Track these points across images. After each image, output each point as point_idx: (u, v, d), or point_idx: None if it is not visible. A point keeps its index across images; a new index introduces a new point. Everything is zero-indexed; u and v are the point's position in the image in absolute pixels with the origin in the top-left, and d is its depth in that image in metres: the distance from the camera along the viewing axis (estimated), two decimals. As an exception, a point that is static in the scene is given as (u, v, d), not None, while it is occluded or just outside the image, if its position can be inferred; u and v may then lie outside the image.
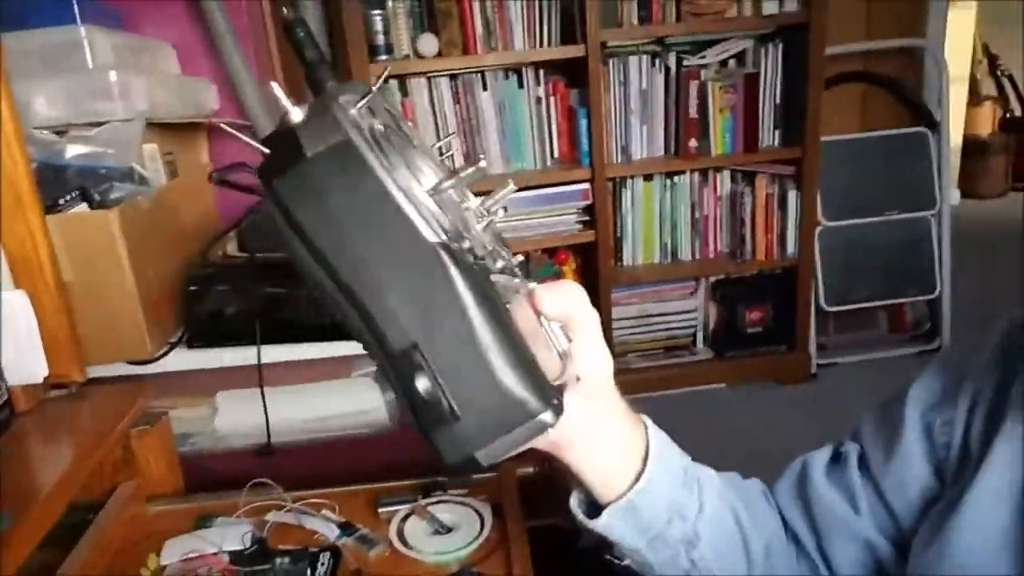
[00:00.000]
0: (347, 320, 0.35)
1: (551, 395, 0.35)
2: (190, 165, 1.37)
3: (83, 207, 0.99)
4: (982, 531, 0.46)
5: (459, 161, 2.29)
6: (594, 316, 0.46)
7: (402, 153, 0.36)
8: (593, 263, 2.39)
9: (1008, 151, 4.55)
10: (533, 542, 0.77)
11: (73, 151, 1.00)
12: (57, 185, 1.01)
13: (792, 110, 2.29)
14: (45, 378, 0.83)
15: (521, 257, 0.47)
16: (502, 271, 0.42)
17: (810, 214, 2.38)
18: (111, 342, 1.00)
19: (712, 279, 2.54)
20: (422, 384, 0.33)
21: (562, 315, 0.45)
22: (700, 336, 2.57)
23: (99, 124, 1.04)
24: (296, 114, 0.35)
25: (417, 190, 0.34)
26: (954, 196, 2.81)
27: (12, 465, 0.74)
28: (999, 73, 4.55)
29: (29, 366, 0.81)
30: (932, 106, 2.57)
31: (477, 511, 0.82)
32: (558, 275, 2.42)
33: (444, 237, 0.33)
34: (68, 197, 0.99)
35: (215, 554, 0.75)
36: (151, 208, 1.05)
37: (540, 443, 0.47)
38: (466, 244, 0.35)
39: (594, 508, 0.52)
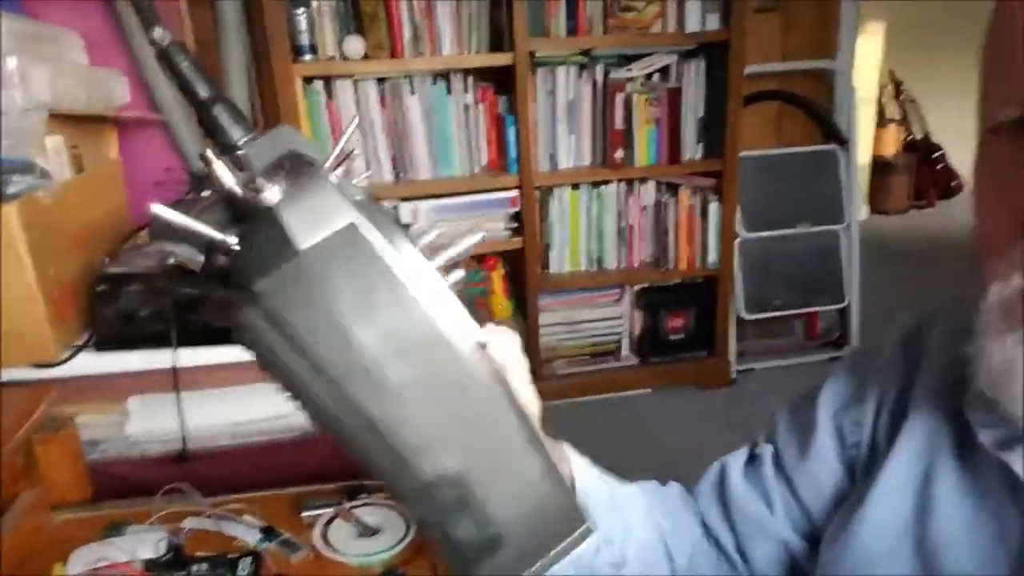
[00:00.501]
0: (356, 448, 0.28)
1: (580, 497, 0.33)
2: (98, 159, 1.31)
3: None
4: (885, 522, 0.48)
5: (385, 166, 2.27)
6: (525, 363, 0.45)
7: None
8: (521, 270, 2.41)
9: (910, 171, 4.87)
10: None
11: (-28, 141, 0.94)
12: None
13: (713, 124, 2.38)
14: (-62, 380, 0.78)
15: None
16: None
17: (729, 225, 2.47)
18: (13, 344, 0.94)
19: (637, 287, 2.60)
20: (464, 519, 0.29)
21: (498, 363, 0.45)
22: (625, 342, 2.63)
23: (-1, 114, 0.98)
24: (273, 192, 0.27)
25: (440, 286, 0.28)
26: (862, 211, 2.99)
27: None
28: (903, 98, 4.86)
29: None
30: (842, 126, 2.72)
31: (402, 512, 0.81)
32: (486, 281, 2.43)
33: (476, 344, 0.28)
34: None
35: (127, 563, 0.71)
36: (54, 203, 1.00)
37: None
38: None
39: None
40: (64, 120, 1.13)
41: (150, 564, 0.72)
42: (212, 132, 0.31)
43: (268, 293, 0.26)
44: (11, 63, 0.98)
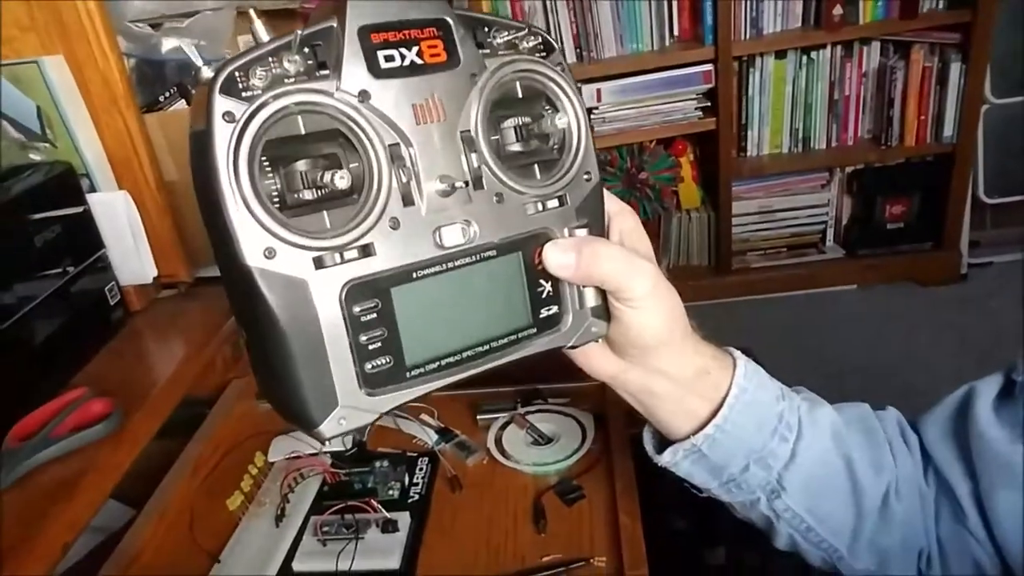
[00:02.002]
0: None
1: (340, 413, 0.35)
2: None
3: (182, 104, 0.97)
4: None
5: (568, 46, 2.14)
6: (639, 283, 0.41)
7: (318, 127, 0.35)
8: (713, 154, 2.21)
9: None
10: (635, 449, 0.72)
11: (168, 44, 0.98)
12: (157, 82, 1.00)
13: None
14: (155, 278, 0.85)
15: (555, 203, 0.41)
16: (502, 224, 0.39)
17: (976, 90, 2.06)
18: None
19: (848, 169, 2.30)
20: (250, 359, 0.37)
21: (582, 282, 0.41)
22: (830, 233, 2.36)
23: (192, 14, 1.01)
24: (206, 72, 0.34)
25: (253, 202, 0.32)
26: None
27: (127, 362, 0.76)
28: None
29: (138, 266, 0.83)
30: None
31: (579, 421, 0.78)
32: (674, 167, 2.27)
33: (258, 261, 0.33)
34: (167, 94, 0.98)
35: (316, 455, 0.75)
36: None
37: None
38: (330, 245, 0.34)
39: (664, 441, 0.49)
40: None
41: (336, 457, 0.75)
42: None
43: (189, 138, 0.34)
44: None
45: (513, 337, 0.40)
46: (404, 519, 0.67)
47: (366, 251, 0.35)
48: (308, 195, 0.34)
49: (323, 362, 0.35)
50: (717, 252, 2.33)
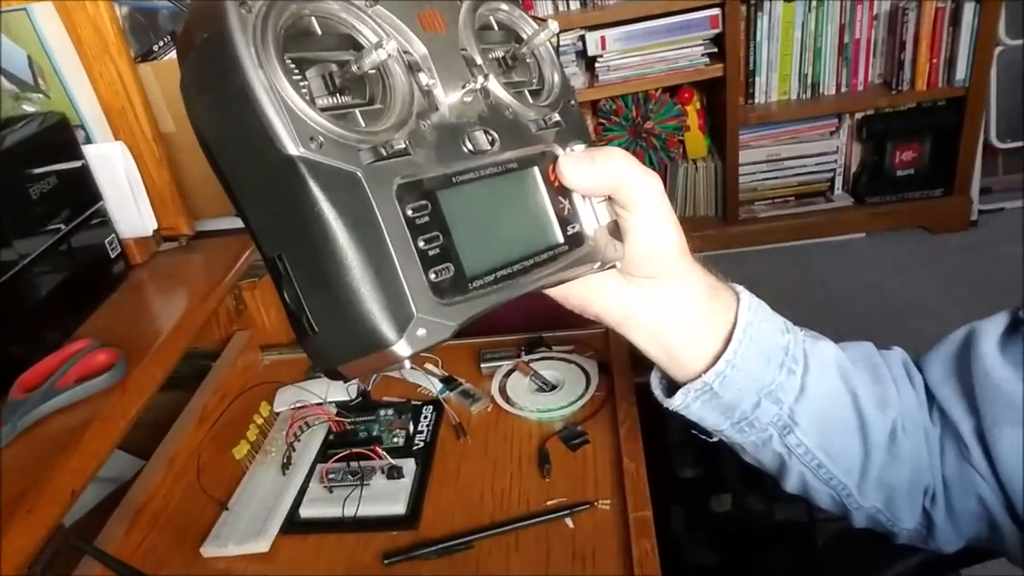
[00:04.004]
0: (237, 214, 0.34)
1: (416, 324, 0.31)
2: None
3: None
4: None
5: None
6: (648, 187, 0.40)
7: (336, 28, 0.34)
8: (720, 101, 2.17)
9: None
10: (641, 399, 0.73)
11: (160, -8, 0.96)
12: (150, 31, 0.98)
13: (980, -101, 1.88)
14: (155, 231, 0.85)
15: (557, 117, 0.41)
16: (513, 139, 0.38)
17: (990, 30, 2.01)
18: (216, 194, 1.00)
19: (858, 115, 2.25)
20: (287, 296, 0.32)
21: (596, 190, 0.40)
22: (839, 180, 2.33)
23: (182, -38, 0.98)
24: None
25: (286, 91, 0.30)
26: None
27: (130, 314, 0.76)
28: None
29: (138, 219, 0.82)
30: None
31: (583, 368, 0.78)
32: (680, 116, 2.23)
33: (302, 149, 0.30)
34: (161, 43, 0.96)
35: (321, 404, 0.76)
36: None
37: (590, 315, 0.45)
38: (371, 143, 0.32)
39: (673, 386, 0.48)
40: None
41: (341, 406, 0.76)
42: None
43: (183, 74, 0.32)
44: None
45: (551, 253, 0.39)
46: (409, 466, 0.68)
47: (405, 152, 0.33)
48: (333, 100, 0.32)
49: (391, 266, 0.31)
50: (724, 202, 2.31)
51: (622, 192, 0.40)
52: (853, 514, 0.53)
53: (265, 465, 0.71)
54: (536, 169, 0.39)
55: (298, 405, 0.76)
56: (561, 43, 1.92)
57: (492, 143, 0.37)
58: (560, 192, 0.40)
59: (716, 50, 2.10)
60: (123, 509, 0.68)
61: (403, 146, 0.33)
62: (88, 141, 0.80)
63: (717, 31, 2.06)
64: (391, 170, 0.32)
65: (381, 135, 0.32)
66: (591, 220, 0.41)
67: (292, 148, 0.30)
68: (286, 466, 0.70)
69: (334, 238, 0.30)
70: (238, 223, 0.96)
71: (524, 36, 0.43)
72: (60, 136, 0.75)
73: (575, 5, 2.10)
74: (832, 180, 2.34)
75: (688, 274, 0.45)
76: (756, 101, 2.22)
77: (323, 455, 0.71)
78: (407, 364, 0.32)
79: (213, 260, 0.88)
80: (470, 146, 0.36)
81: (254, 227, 0.33)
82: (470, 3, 0.39)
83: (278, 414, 0.78)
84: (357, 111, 0.33)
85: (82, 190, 0.77)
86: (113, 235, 0.80)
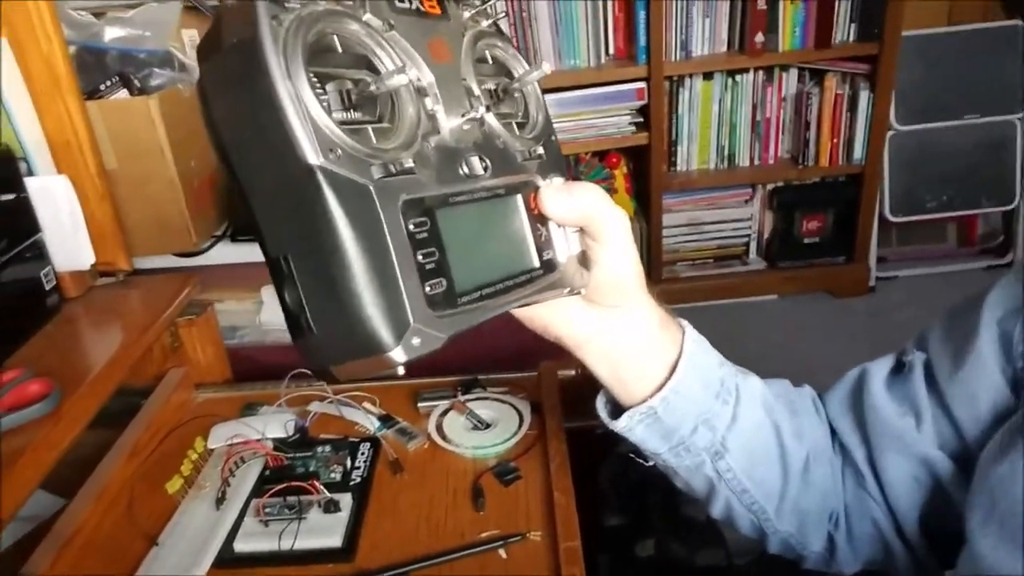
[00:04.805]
0: (245, 215, 0.35)
1: (412, 333, 0.33)
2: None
3: (123, 93, 0.97)
4: None
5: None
6: (617, 221, 0.44)
7: (354, 48, 0.35)
8: (645, 167, 2.30)
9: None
10: (573, 443, 0.76)
11: (111, 34, 0.98)
12: (98, 70, 0.99)
13: (871, 1, 2.10)
14: (92, 265, 0.84)
15: (541, 151, 0.44)
16: (503, 167, 0.40)
17: (882, 117, 2.22)
18: (156, 233, 1.01)
19: (770, 186, 2.43)
20: (290, 297, 0.34)
21: (575, 220, 0.44)
22: (753, 245, 2.49)
23: (136, 6, 1.01)
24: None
25: (311, 103, 0.32)
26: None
27: (62, 347, 0.75)
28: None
29: (76, 252, 0.82)
30: (1031, -3, 2.32)
31: (516, 408, 0.82)
32: (608, 179, 2.35)
33: (322, 159, 0.31)
34: (108, 83, 0.97)
35: (259, 440, 0.76)
36: (192, 96, 1.03)
37: (550, 338, 0.48)
38: (381, 160, 0.34)
39: (618, 409, 0.51)
40: (199, 12, 1.15)
41: (279, 443, 0.77)
42: None
43: (202, 74, 0.33)
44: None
45: (528, 276, 0.41)
46: (346, 500, 0.69)
47: (411, 171, 0.35)
48: (348, 115, 0.34)
49: (393, 276, 0.33)
50: (648, 261, 2.42)
51: (594, 224, 0.44)
52: (769, 538, 0.58)
53: (199, 500, 0.71)
54: (519, 197, 0.42)
55: (234, 441, 0.76)
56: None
57: (485, 169, 0.39)
58: (538, 220, 0.43)
59: (642, 120, 2.24)
60: (49, 542, 0.66)
61: (410, 165, 0.35)
62: (30, 173, 0.80)
63: (643, 103, 2.20)
64: (398, 187, 0.34)
65: (391, 153, 0.34)
66: (563, 248, 0.44)
67: (313, 157, 0.31)
68: (220, 500, 0.70)
69: (343, 245, 0.32)
70: (177, 262, 1.00)
71: (514, 72, 0.45)
72: (2, 168, 0.75)
73: (511, 71, 2.22)
74: (747, 245, 2.49)
75: (644, 305, 0.48)
76: (678, 168, 2.37)
77: (259, 490, 0.71)
78: (400, 370, 0.33)
79: (151, 296, 0.88)
80: (466, 170, 0.38)
81: (261, 225, 0.34)
82: (471, 36, 0.42)
83: (212, 450, 0.78)
84: (369, 128, 0.34)
85: (20, 221, 0.76)
86: (49, 267, 0.80)
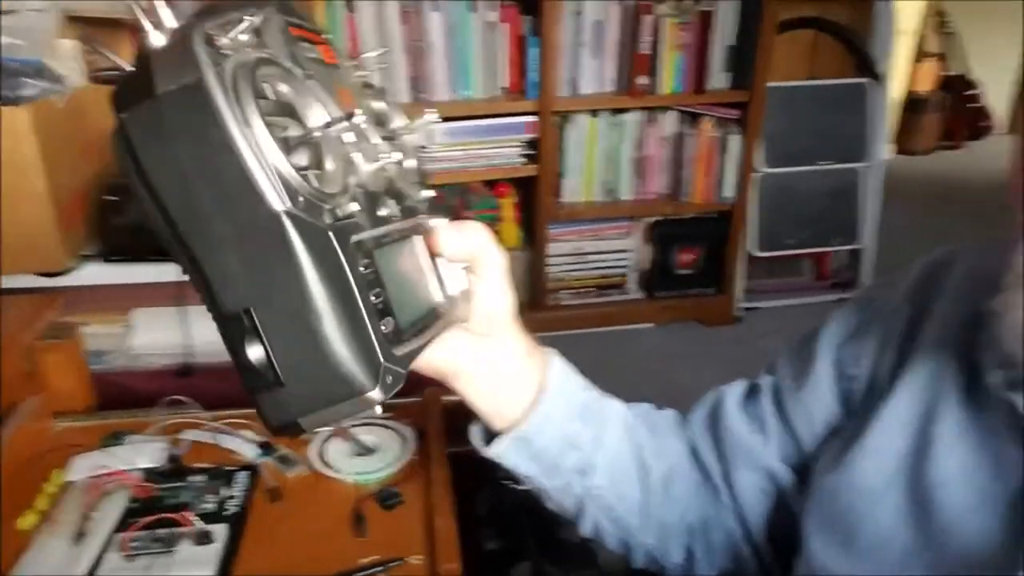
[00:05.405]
0: (184, 270, 0.33)
1: (384, 372, 0.33)
2: (113, 65, 1.27)
3: (-24, 103, 0.91)
4: (882, 457, 0.49)
5: (402, 86, 2.21)
6: (498, 258, 0.48)
7: (283, 95, 0.34)
8: (533, 198, 2.38)
9: (943, 109, 4.68)
10: (455, 469, 0.78)
11: (-25, 40, 0.91)
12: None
13: (743, 53, 2.29)
14: (-60, 285, 0.78)
15: (432, 193, 0.46)
16: (405, 210, 0.41)
17: (749, 159, 2.41)
18: (21, 251, 0.94)
19: (648, 220, 2.56)
20: (253, 352, 0.32)
21: (464, 256, 0.46)
22: (633, 276, 2.61)
23: (9, 13, 0.95)
24: (156, 38, 0.31)
25: (269, 149, 0.31)
26: (887, 150, 2.89)
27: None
28: (945, 31, 4.63)
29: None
30: (879, 58, 2.60)
31: (400, 434, 0.82)
32: (497, 208, 2.40)
33: (289, 204, 0.31)
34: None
35: (126, 471, 0.73)
36: (66, 109, 0.98)
37: (426, 371, 0.49)
38: (330, 205, 0.33)
39: (492, 436, 0.53)
40: (78, 23, 1.09)
41: (149, 473, 0.73)
42: None
43: (126, 124, 0.31)
44: (21, -40, 0.95)
45: (436, 311, 0.43)
46: (220, 531, 0.68)
47: (353, 215, 0.35)
48: (293, 162, 0.33)
49: (360, 318, 0.33)
50: (534, 289, 2.49)
51: (479, 260, 0.47)
52: (634, 552, 0.61)
53: (55, 535, 0.67)
54: (419, 237, 0.44)
55: (98, 473, 0.72)
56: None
57: (398, 211, 0.40)
58: (433, 257, 0.45)
59: (532, 152, 2.32)
60: None
61: (354, 210, 0.35)
62: None
63: (533, 136, 2.28)
64: (348, 230, 0.34)
65: (337, 198, 0.34)
66: (452, 283, 0.46)
67: (279, 204, 0.30)
68: (79, 536, 0.66)
69: (313, 291, 0.31)
70: (42, 281, 0.94)
71: (394, 120, 0.46)
72: None
73: (405, 98, 2.23)
74: (627, 275, 2.61)
75: (516, 335, 0.51)
76: (564, 200, 2.45)
77: (124, 523, 0.68)
78: (378, 410, 0.33)
79: (8, 318, 0.83)
80: (385, 212, 0.39)
81: (213, 280, 0.32)
82: (359, 85, 0.43)
83: (72, 483, 0.73)
84: (311, 174, 0.34)
85: None
86: None
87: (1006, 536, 0.41)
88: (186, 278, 0.33)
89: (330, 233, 0.32)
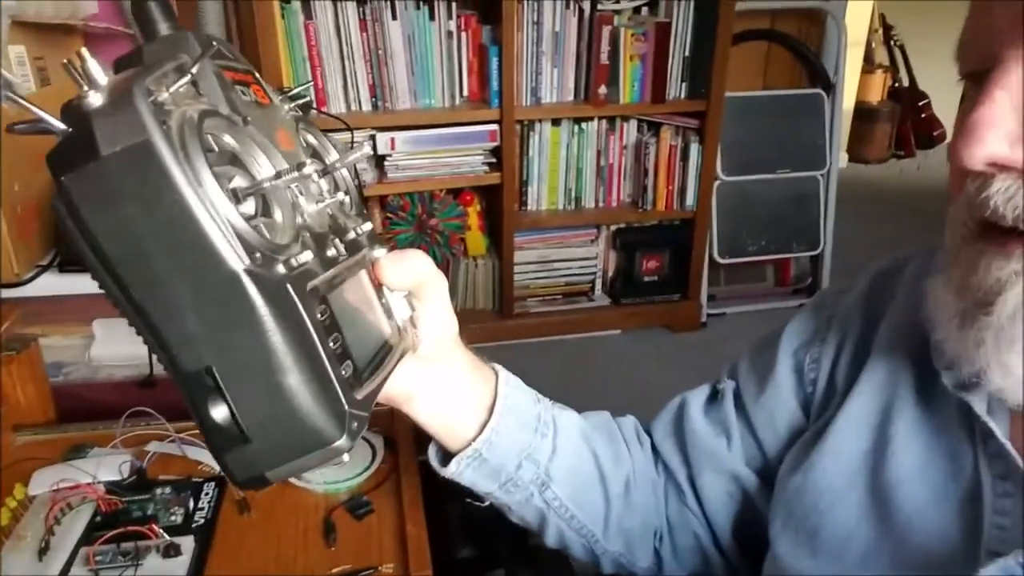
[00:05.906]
0: (138, 332, 0.32)
1: (349, 419, 0.33)
2: (64, 72, 1.25)
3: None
4: (843, 457, 0.50)
5: (363, 95, 2.21)
6: (441, 283, 0.48)
7: (226, 146, 0.34)
8: (498, 206, 2.39)
9: (893, 119, 4.83)
10: (425, 477, 0.78)
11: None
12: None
13: (700, 63, 2.34)
14: None
15: (370, 225, 0.45)
16: (349, 245, 0.41)
17: (710, 168, 2.46)
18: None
19: (613, 227, 2.60)
20: (217, 412, 0.32)
21: (408, 285, 0.46)
22: (599, 283, 2.64)
23: (-47, 17, 0.93)
24: (94, 97, 0.29)
25: (222, 205, 0.30)
26: (842, 159, 2.97)
27: None
28: (892, 43, 4.78)
29: None
30: (830, 69, 2.68)
31: (369, 443, 0.82)
32: (462, 216, 2.41)
33: (248, 262, 0.30)
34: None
35: (90, 484, 0.71)
36: (18, 116, 0.95)
37: (378, 399, 0.49)
38: (284, 256, 0.33)
39: (448, 456, 0.53)
40: (28, 29, 1.07)
41: (112, 486, 0.72)
42: (141, 21, 0.34)
43: (68, 187, 0.29)
44: (-37, -36, 0.93)
45: (388, 344, 0.42)
46: (188, 543, 0.67)
47: (306, 262, 0.35)
48: (243, 213, 0.32)
49: (323, 368, 0.33)
50: (500, 297, 2.49)
51: (423, 286, 0.47)
52: (601, 559, 0.62)
53: (18, 551, 0.65)
54: (364, 271, 0.43)
55: (60, 486, 0.71)
56: (354, 140, 2.01)
57: (343, 249, 0.40)
58: (378, 289, 0.44)
59: (495, 160, 2.33)
60: None
61: (308, 257, 0.34)
62: None
63: (496, 144, 2.29)
64: (303, 278, 0.34)
65: (291, 248, 0.34)
66: (398, 312, 0.46)
67: (237, 263, 0.30)
68: (44, 551, 0.65)
69: (276, 346, 0.31)
70: None
71: (326, 154, 0.45)
72: None
73: (367, 107, 2.23)
74: (593, 282, 2.63)
75: (461, 354, 0.51)
76: (529, 208, 2.47)
77: (89, 537, 0.67)
78: (345, 458, 0.33)
79: (-38, 332, 0.80)
80: (332, 253, 0.38)
81: (170, 341, 0.31)
82: (293, 122, 0.42)
83: (35, 497, 0.72)
84: (261, 224, 0.33)
85: None
86: None
87: (963, 532, 0.43)
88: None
89: (288, 285, 0.32)
